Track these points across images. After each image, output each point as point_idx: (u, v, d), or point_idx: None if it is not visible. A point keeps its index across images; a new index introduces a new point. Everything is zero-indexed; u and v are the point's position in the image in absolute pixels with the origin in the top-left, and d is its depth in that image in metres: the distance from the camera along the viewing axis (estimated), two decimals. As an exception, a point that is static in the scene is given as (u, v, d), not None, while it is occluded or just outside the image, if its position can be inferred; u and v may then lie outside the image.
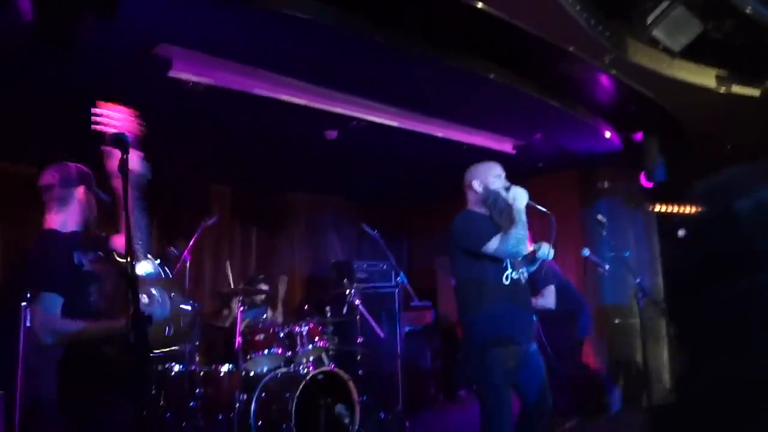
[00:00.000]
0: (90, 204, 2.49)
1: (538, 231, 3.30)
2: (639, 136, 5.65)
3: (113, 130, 2.19)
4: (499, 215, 3.08)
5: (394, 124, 4.72)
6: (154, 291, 2.54)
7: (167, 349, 2.45)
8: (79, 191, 2.42)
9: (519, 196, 3.03)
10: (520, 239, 2.92)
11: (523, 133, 5.38)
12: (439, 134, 5.07)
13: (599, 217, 3.35)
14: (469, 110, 4.70)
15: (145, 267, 2.50)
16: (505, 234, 2.93)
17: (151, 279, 2.54)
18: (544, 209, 3.08)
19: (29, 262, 2.34)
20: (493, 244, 2.93)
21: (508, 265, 3.06)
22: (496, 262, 3.04)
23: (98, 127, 2.18)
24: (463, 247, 3.06)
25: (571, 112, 4.68)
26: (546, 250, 3.20)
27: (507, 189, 3.09)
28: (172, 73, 3.58)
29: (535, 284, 4.37)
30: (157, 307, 2.34)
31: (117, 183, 1.98)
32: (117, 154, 1.74)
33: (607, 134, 5.40)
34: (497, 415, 2.97)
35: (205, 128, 4.68)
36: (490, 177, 3.17)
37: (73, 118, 4.11)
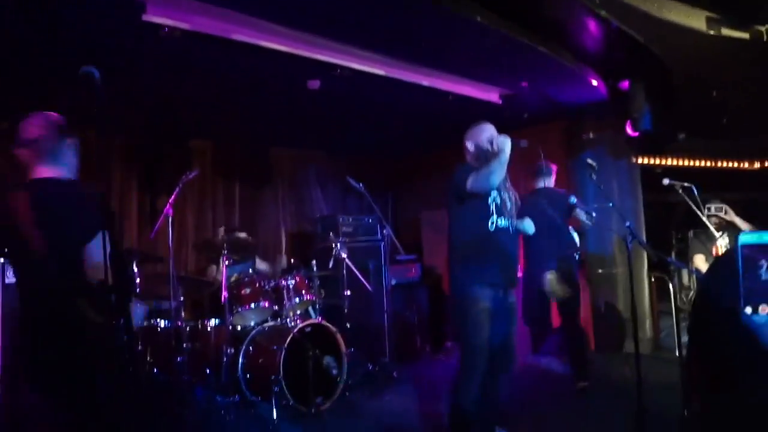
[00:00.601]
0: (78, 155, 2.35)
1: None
2: (625, 84, 5.60)
3: None
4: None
5: (379, 72, 4.61)
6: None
7: None
8: (69, 142, 2.29)
9: (503, 141, 3.19)
10: (491, 172, 3.05)
11: (509, 82, 5.29)
12: (425, 83, 4.96)
13: (589, 160, 3.33)
14: (456, 57, 4.59)
15: None
16: (477, 171, 3.12)
17: None
18: (525, 143, 3.26)
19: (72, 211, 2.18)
20: (470, 182, 3.11)
21: (494, 212, 3.22)
22: (481, 208, 3.23)
23: None
24: (453, 193, 3.23)
25: (557, 59, 4.59)
26: (527, 225, 3.45)
27: (491, 140, 3.30)
28: (146, 17, 3.42)
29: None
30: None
31: None
32: None
33: (594, 82, 5.34)
34: (474, 350, 3.14)
35: (183, 78, 4.52)
36: (484, 138, 3.37)
37: (42, 63, 3.97)
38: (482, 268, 3.17)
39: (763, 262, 2.13)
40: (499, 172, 3.09)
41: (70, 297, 2.07)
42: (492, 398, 3.41)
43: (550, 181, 5.16)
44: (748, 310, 2.12)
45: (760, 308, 2.12)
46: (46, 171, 2.25)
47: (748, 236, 2.16)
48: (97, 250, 1.91)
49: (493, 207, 3.24)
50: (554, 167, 5.22)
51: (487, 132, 3.39)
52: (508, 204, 3.38)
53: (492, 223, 3.23)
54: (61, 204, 2.20)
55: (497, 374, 3.33)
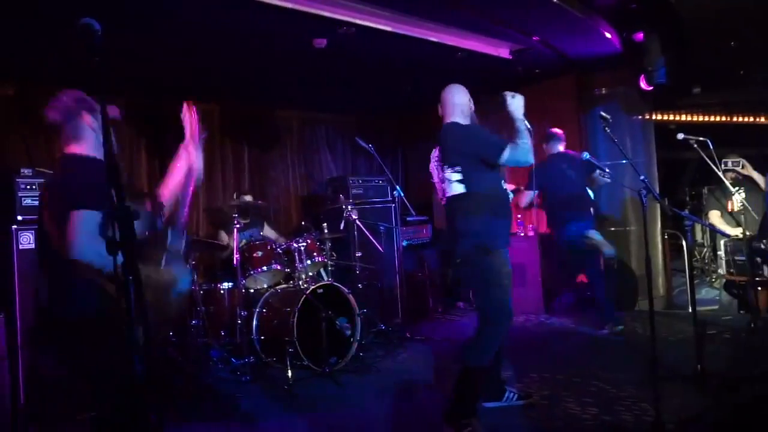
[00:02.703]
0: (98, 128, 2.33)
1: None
2: (640, 36, 5.44)
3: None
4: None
5: (386, 28, 4.49)
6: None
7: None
8: (85, 118, 2.28)
9: (518, 105, 3.18)
10: (528, 149, 3.07)
11: (520, 37, 5.15)
12: (433, 39, 4.84)
13: (602, 113, 3.24)
14: (465, 10, 4.44)
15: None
16: (515, 144, 3.07)
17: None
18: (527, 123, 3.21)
19: (66, 179, 2.21)
20: (506, 154, 3.05)
21: (504, 176, 3.33)
22: (498, 173, 3.25)
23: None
24: (482, 157, 3.14)
25: (569, 9, 4.45)
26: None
27: (512, 96, 3.21)
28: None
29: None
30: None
31: None
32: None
33: (607, 35, 5.19)
34: (503, 312, 3.12)
35: (187, 38, 4.43)
36: (466, 99, 3.36)
37: (43, 17, 3.88)
38: (503, 229, 3.24)
39: None
40: (531, 144, 3.12)
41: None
42: (499, 357, 3.46)
43: (563, 146, 5.26)
44: None
45: None
46: (71, 148, 2.31)
47: None
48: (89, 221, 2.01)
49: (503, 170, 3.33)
50: (562, 133, 5.31)
51: (466, 96, 3.38)
52: None
53: (504, 185, 3.33)
54: (63, 179, 2.26)
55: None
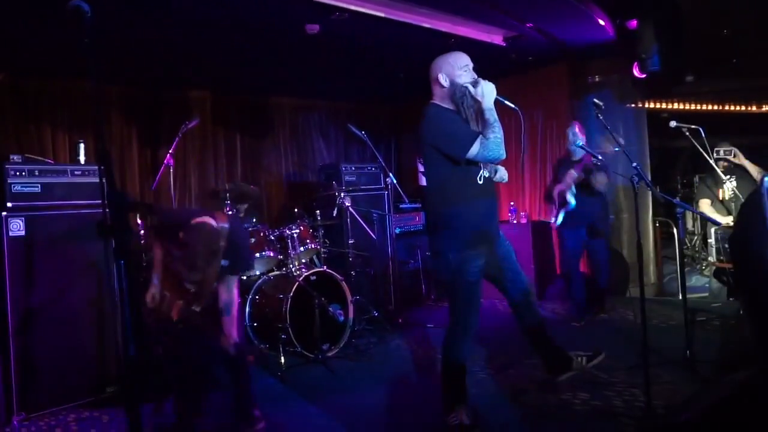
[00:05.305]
0: None
1: (508, 126, 3.18)
2: (633, 23, 5.42)
3: None
4: (467, 111, 2.95)
5: (379, 14, 4.46)
6: None
7: None
8: None
9: (488, 93, 2.87)
10: (499, 143, 2.82)
11: (513, 23, 5.13)
12: (426, 25, 4.81)
13: (595, 100, 3.22)
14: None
15: None
16: (486, 140, 2.82)
17: None
18: (512, 105, 2.93)
19: None
20: (473, 151, 2.83)
21: (482, 165, 2.99)
22: (472, 166, 2.96)
23: None
24: (444, 152, 2.92)
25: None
26: (503, 174, 3.15)
27: (475, 84, 2.92)
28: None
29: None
30: None
31: None
32: None
33: (601, 22, 5.17)
34: (469, 310, 3.03)
35: (178, 25, 4.38)
36: (457, 69, 2.97)
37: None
38: (476, 225, 2.96)
39: None
40: (502, 139, 2.83)
41: None
42: (542, 329, 3.33)
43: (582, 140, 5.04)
44: None
45: None
46: None
47: None
48: None
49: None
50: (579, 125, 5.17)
51: (462, 60, 3.00)
52: None
53: (480, 177, 2.99)
54: None
55: (526, 310, 3.27)
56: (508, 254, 3.20)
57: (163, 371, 3.73)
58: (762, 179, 2.15)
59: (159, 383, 3.65)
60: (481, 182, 2.98)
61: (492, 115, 2.86)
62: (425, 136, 2.95)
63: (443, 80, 2.97)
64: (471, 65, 3.01)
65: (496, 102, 2.90)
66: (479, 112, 2.91)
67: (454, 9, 4.74)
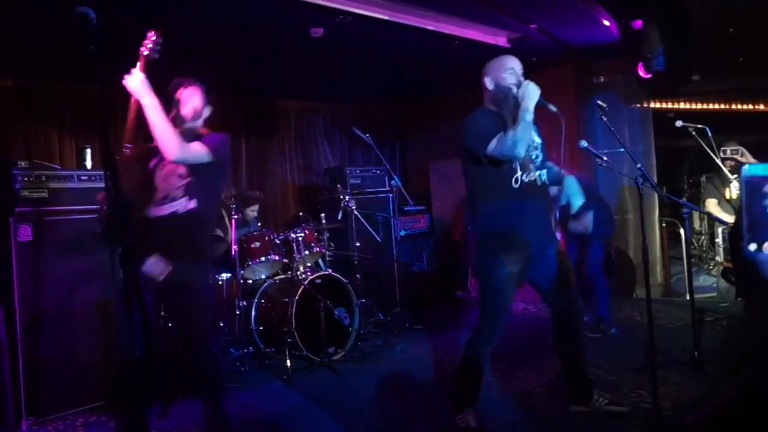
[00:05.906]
0: None
1: (547, 131, 3.14)
2: (638, 23, 5.41)
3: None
4: (509, 113, 2.89)
5: (383, 17, 4.47)
6: None
7: None
8: None
9: (529, 94, 2.83)
10: (518, 140, 2.74)
11: (518, 25, 5.12)
12: (430, 27, 4.81)
13: (599, 102, 3.21)
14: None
15: None
16: (504, 134, 2.78)
17: None
18: (554, 108, 2.86)
19: None
20: (491, 146, 2.80)
21: (518, 168, 2.90)
22: (505, 164, 2.88)
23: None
24: (469, 150, 2.92)
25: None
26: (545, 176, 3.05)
27: (518, 85, 2.90)
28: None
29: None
30: None
31: None
32: None
33: (606, 22, 5.16)
34: (495, 315, 3.01)
35: (183, 29, 4.40)
36: (503, 72, 2.97)
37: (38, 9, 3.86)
38: (507, 230, 2.90)
39: None
40: (526, 137, 2.77)
41: None
42: (580, 354, 3.18)
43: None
44: (752, 246, 1.93)
45: (765, 246, 1.92)
46: None
47: (754, 168, 1.97)
48: None
49: (516, 164, 2.89)
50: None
51: (508, 63, 2.99)
52: (534, 153, 2.99)
53: (516, 180, 2.89)
54: None
55: (565, 331, 3.15)
56: (559, 266, 3.06)
57: (169, 373, 3.74)
58: (740, 169, 2.10)
59: (164, 385, 3.66)
60: (516, 185, 2.90)
61: (526, 115, 2.79)
62: (459, 136, 2.98)
63: (489, 84, 3.00)
64: (518, 68, 3.01)
65: (539, 104, 2.85)
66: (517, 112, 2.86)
67: (458, 11, 4.75)
